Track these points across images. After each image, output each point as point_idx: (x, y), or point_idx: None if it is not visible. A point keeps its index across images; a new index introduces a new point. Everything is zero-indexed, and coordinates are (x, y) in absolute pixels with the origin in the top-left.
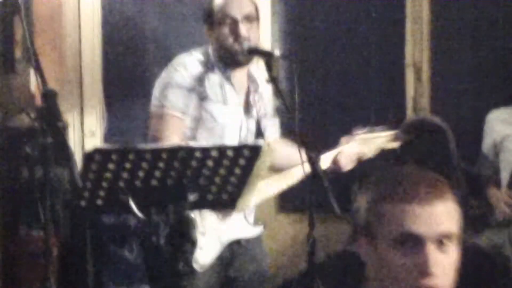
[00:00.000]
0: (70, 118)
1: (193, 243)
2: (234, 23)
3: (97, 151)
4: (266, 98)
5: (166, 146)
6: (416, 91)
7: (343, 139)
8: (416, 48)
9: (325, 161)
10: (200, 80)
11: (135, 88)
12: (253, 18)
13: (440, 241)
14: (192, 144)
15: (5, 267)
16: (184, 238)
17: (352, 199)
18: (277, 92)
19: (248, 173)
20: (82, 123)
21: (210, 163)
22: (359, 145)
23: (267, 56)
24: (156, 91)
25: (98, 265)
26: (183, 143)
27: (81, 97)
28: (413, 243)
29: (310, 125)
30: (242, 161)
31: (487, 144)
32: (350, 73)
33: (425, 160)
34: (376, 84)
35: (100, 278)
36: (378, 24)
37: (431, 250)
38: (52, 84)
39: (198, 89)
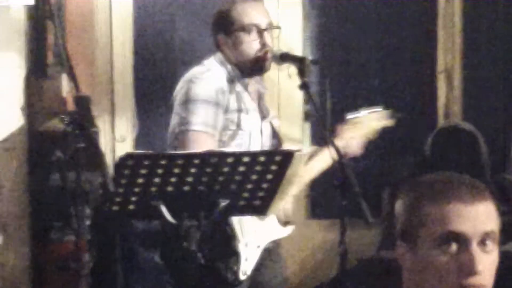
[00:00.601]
0: (101, 123)
1: (237, 256)
2: (260, 31)
3: (129, 156)
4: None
5: (198, 152)
6: (448, 98)
7: (338, 127)
8: (448, 55)
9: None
10: (222, 93)
11: (165, 94)
12: (273, 27)
13: (483, 241)
14: (224, 149)
15: (36, 273)
16: (228, 252)
17: (383, 206)
18: (309, 98)
19: (280, 179)
20: (113, 128)
21: (242, 168)
22: (354, 129)
23: (300, 62)
24: (179, 108)
25: (128, 270)
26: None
27: (112, 102)
28: (457, 242)
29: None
30: (274, 167)
31: None
32: (381, 79)
33: (456, 167)
34: (408, 91)
35: (130, 283)
36: (409, 31)
37: (476, 249)
38: (83, 89)
39: (222, 102)
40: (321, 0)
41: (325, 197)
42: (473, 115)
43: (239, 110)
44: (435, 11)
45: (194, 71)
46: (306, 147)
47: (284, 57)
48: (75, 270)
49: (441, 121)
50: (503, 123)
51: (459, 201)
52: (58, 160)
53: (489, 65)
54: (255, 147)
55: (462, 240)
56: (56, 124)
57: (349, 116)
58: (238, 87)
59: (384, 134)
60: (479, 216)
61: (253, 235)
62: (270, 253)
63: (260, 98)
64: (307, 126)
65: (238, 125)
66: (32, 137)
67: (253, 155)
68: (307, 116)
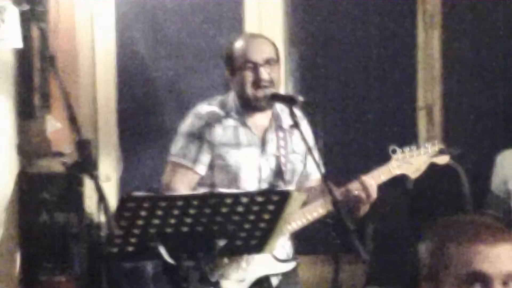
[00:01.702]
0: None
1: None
2: (255, 67)
3: (130, 198)
4: (296, 134)
5: (197, 193)
6: (429, 133)
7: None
8: (428, 90)
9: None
10: (211, 128)
11: (150, 132)
12: (274, 61)
13: (505, 282)
14: (222, 190)
15: None
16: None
17: (367, 241)
18: (302, 137)
19: (277, 218)
20: (97, 168)
21: (240, 209)
22: (397, 167)
23: (290, 102)
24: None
25: None
26: (214, 190)
27: (97, 142)
28: (481, 283)
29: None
30: (271, 207)
31: (496, 184)
32: (361, 116)
33: (439, 200)
34: (389, 127)
35: None
36: (390, 67)
37: None
38: (67, 130)
39: (209, 137)
40: (302, 37)
41: (309, 232)
42: None
43: (230, 145)
44: (415, 47)
45: (196, 106)
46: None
47: (275, 97)
48: None
49: None
50: (484, 158)
51: (482, 242)
52: (44, 200)
53: (469, 100)
54: (248, 183)
55: (485, 280)
56: (44, 165)
57: (395, 153)
58: (234, 122)
59: (366, 165)
60: (501, 257)
61: (230, 268)
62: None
63: (266, 132)
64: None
65: (226, 161)
66: (22, 178)
67: (251, 196)
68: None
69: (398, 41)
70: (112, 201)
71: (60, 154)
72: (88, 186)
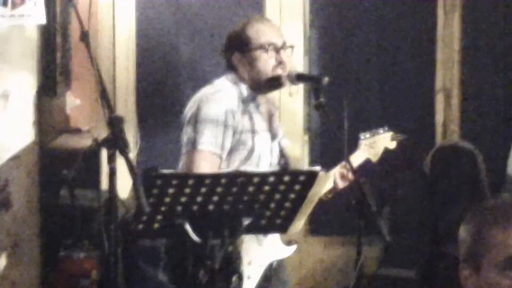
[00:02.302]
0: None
1: (240, 276)
2: (276, 50)
3: (158, 175)
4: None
5: (226, 172)
6: (446, 116)
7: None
8: (447, 73)
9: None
10: (232, 113)
11: (167, 112)
12: (287, 47)
13: None
14: (251, 170)
15: None
16: (231, 270)
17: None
18: (326, 117)
19: (303, 198)
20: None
21: (266, 188)
22: (366, 151)
23: (316, 82)
24: (189, 128)
25: (131, 286)
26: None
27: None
28: None
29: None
30: (298, 187)
31: None
32: (380, 98)
33: (455, 185)
34: (407, 109)
35: None
36: (408, 49)
37: None
38: (86, 106)
39: (232, 123)
40: (323, 20)
41: (324, 214)
42: (471, 134)
43: (250, 131)
44: (434, 30)
45: (205, 91)
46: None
47: (300, 77)
48: (84, 287)
49: (439, 140)
50: (501, 141)
51: None
52: (65, 178)
53: (487, 84)
54: (265, 167)
55: None
56: (63, 141)
57: (363, 136)
58: (251, 107)
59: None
60: None
61: (256, 254)
62: (277, 272)
63: (271, 118)
64: (307, 144)
65: (248, 146)
66: (43, 154)
67: (279, 175)
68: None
69: (418, 24)
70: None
71: (78, 131)
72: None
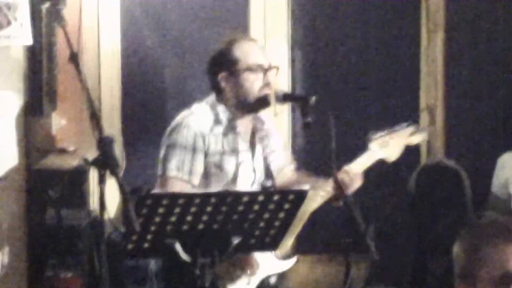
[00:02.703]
0: (90, 158)
1: None
2: (264, 71)
3: (149, 195)
4: (273, 133)
5: (216, 191)
6: (430, 135)
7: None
8: (430, 92)
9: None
10: (202, 137)
11: (153, 132)
12: (273, 67)
13: None
14: (240, 189)
15: None
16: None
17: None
18: (313, 136)
19: (292, 217)
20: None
21: (256, 207)
22: (379, 149)
23: (303, 102)
24: (161, 155)
25: None
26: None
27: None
28: None
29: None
30: (287, 205)
31: (497, 186)
32: (364, 116)
33: (440, 203)
34: (391, 127)
35: None
36: (393, 69)
37: None
38: (71, 125)
39: (201, 147)
40: (306, 38)
41: (309, 233)
42: (455, 152)
43: (223, 153)
44: (418, 49)
45: (179, 116)
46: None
47: (287, 97)
48: None
49: (424, 158)
50: (485, 160)
51: None
52: (49, 198)
53: (471, 102)
54: (246, 186)
55: None
56: (49, 162)
57: (375, 135)
58: (227, 129)
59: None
60: None
61: (238, 273)
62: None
63: (254, 135)
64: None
65: (220, 167)
66: (28, 174)
67: (268, 195)
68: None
69: (401, 43)
70: (115, 198)
71: (64, 151)
72: (92, 183)
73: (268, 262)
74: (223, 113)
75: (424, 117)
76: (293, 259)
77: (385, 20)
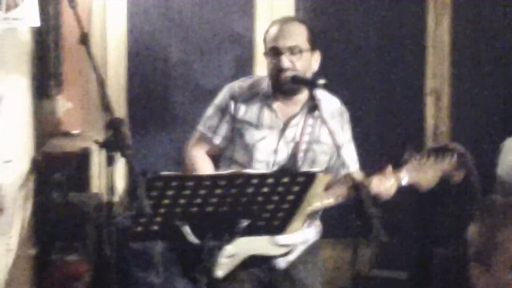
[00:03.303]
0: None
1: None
2: (278, 55)
3: (158, 177)
4: (332, 127)
5: (224, 173)
6: (436, 119)
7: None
8: (437, 76)
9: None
10: (236, 101)
11: (159, 115)
12: (298, 50)
13: None
14: (249, 171)
15: None
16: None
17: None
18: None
19: (301, 200)
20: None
21: (265, 189)
22: (413, 172)
23: (311, 85)
24: None
25: None
26: (240, 170)
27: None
28: None
29: None
30: (296, 188)
31: (502, 170)
32: (370, 100)
33: (446, 188)
34: (397, 112)
35: None
36: (399, 52)
37: None
38: (78, 109)
39: (231, 110)
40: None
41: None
42: (461, 136)
43: (250, 124)
44: (424, 33)
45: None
46: None
47: (295, 80)
48: None
49: (430, 142)
50: (491, 143)
51: None
52: (57, 181)
53: (477, 86)
54: (261, 163)
55: None
56: (56, 145)
57: (412, 157)
58: (264, 102)
59: (373, 151)
60: None
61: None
62: (290, 276)
63: (292, 118)
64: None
65: (242, 137)
66: (35, 157)
67: (277, 176)
68: None
69: (408, 26)
70: (121, 184)
71: (70, 134)
72: (96, 167)
73: (257, 241)
74: (268, 87)
75: (430, 101)
76: (288, 248)
77: (392, 4)
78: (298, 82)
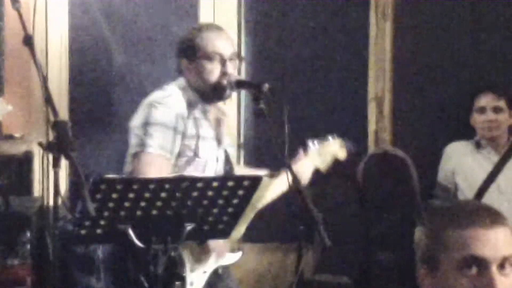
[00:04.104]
0: (36, 148)
1: (183, 281)
2: (223, 61)
3: (103, 180)
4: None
5: (170, 177)
6: (378, 124)
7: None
8: (379, 83)
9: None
10: (182, 119)
11: (102, 121)
12: (236, 57)
13: (502, 265)
14: (195, 175)
15: None
16: (174, 277)
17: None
18: (266, 124)
19: (246, 204)
20: (48, 154)
21: (210, 193)
22: (315, 159)
23: (256, 89)
24: (139, 131)
25: None
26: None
27: (47, 126)
28: (477, 266)
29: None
30: (241, 192)
31: (443, 176)
32: (312, 106)
33: (388, 192)
34: (339, 118)
35: None
36: (341, 58)
37: (495, 272)
38: (19, 112)
39: (181, 128)
40: (256, 26)
41: (256, 221)
42: (403, 142)
43: (196, 137)
44: (367, 40)
45: (155, 95)
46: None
47: (240, 84)
48: None
49: (372, 148)
50: (432, 149)
51: (480, 226)
52: None
53: (418, 93)
54: (210, 174)
55: (482, 264)
56: None
57: (311, 143)
58: (198, 113)
59: None
60: (498, 241)
61: (199, 260)
62: (223, 279)
63: (218, 125)
64: (241, 149)
65: (195, 152)
66: None
67: (223, 180)
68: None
69: (350, 33)
70: (63, 187)
71: (11, 137)
72: (38, 170)
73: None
74: (194, 98)
75: (372, 107)
76: (240, 252)
77: (335, 8)
78: (243, 86)
